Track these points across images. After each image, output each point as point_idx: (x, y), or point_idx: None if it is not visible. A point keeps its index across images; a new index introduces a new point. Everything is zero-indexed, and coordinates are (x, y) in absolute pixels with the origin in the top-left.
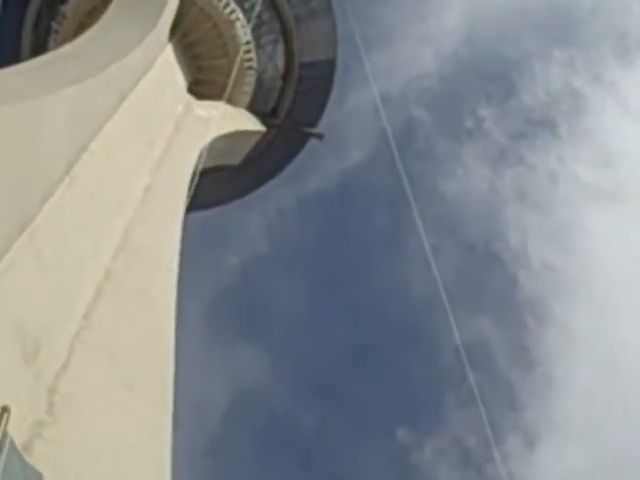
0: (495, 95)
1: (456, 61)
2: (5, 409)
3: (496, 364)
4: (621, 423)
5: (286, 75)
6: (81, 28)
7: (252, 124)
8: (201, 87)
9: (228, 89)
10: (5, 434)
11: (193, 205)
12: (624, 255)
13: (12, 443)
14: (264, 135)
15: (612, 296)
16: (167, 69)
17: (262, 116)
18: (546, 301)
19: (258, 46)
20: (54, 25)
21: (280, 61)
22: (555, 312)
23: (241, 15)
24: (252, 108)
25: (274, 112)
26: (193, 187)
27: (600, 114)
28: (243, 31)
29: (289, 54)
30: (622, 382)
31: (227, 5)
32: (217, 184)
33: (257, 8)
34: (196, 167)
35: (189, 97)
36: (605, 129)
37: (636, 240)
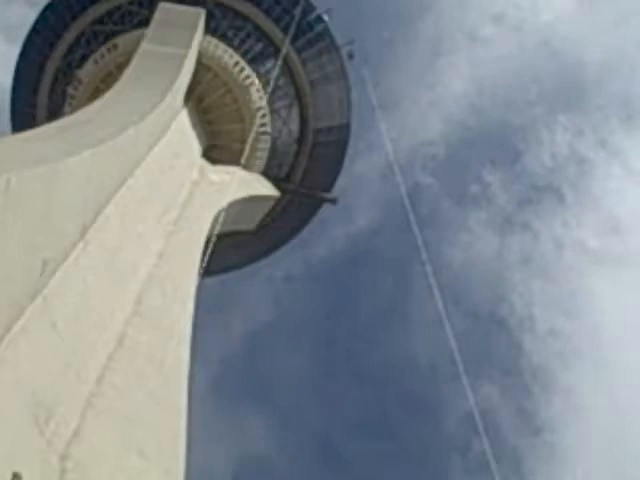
0: (501, 161)
1: (462, 127)
2: (16, 476)
3: (502, 430)
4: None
5: (300, 140)
6: (96, 93)
7: (267, 189)
8: (216, 152)
9: (244, 154)
10: None
11: (209, 270)
12: (631, 320)
13: None
14: (279, 200)
15: (618, 361)
16: (182, 134)
17: (276, 181)
18: (552, 367)
19: (273, 111)
20: (70, 90)
21: (294, 126)
22: (561, 378)
23: (256, 80)
24: (267, 173)
25: (288, 177)
26: (209, 252)
27: (606, 179)
28: (258, 96)
29: (303, 119)
30: (629, 446)
31: (242, 70)
32: (232, 249)
33: (273, 73)
34: (211, 232)
35: (204, 162)
36: (611, 194)
37: None
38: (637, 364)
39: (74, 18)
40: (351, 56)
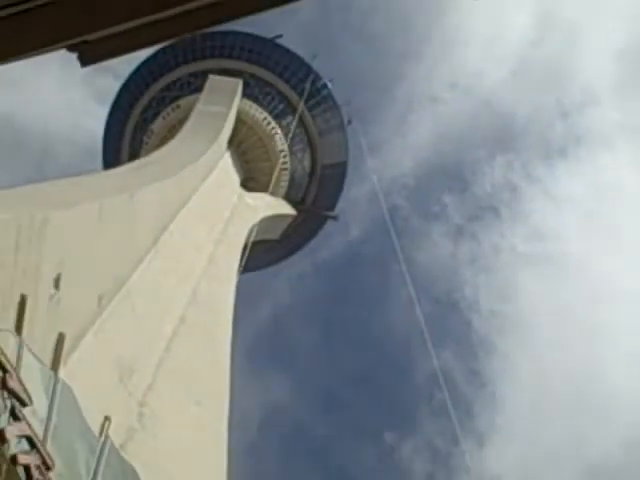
0: (455, 188)
1: (427, 164)
2: (107, 418)
3: (457, 384)
4: (546, 428)
5: (311, 174)
6: (164, 140)
7: (287, 209)
8: (250, 183)
9: (270, 185)
10: (107, 437)
11: (246, 268)
12: (549, 303)
13: (112, 444)
14: (295, 217)
15: (540, 333)
16: (225, 170)
17: (294, 203)
18: (492, 338)
19: (291, 153)
20: (145, 138)
21: (307, 163)
22: (499, 346)
23: (279, 131)
24: (287, 197)
25: (303, 200)
26: (246, 255)
27: (531, 201)
28: (280, 142)
29: (313, 158)
30: (548, 397)
31: (269, 123)
32: (262, 253)
33: (291, 126)
34: (247, 241)
35: (241, 190)
36: (535, 212)
37: (559, 292)
38: (553, 336)
39: (148, 86)
40: (350, 122)
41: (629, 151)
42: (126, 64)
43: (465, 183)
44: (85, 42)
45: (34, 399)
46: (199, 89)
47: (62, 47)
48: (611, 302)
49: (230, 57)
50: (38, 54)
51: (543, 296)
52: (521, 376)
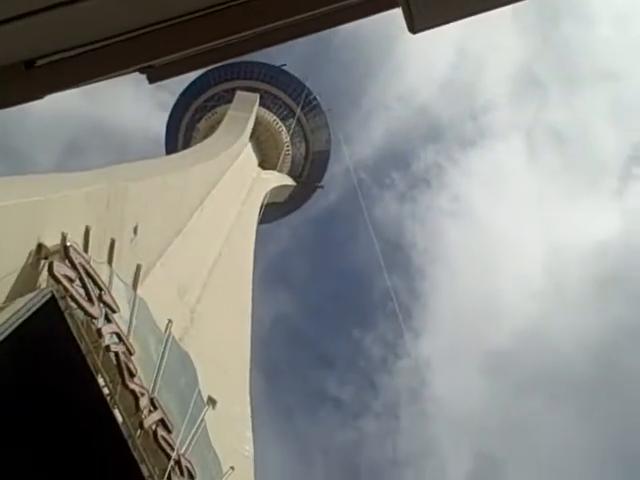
0: (401, 167)
1: (382, 150)
2: (170, 321)
3: (402, 297)
4: (459, 326)
5: (306, 157)
6: (207, 135)
7: (289, 181)
8: (265, 164)
9: (278, 165)
10: (169, 333)
11: (262, 221)
12: (463, 243)
13: (173, 337)
14: (295, 187)
15: (457, 263)
16: (248, 155)
17: (294, 177)
18: (425, 267)
19: (292, 143)
20: (194, 134)
21: (303, 150)
22: (427, 272)
23: (284, 128)
24: (289, 173)
25: (300, 175)
26: (261, 212)
27: (452, 176)
28: (285, 136)
29: (307, 147)
30: (461, 306)
31: (277, 123)
32: (273, 210)
33: (292, 125)
34: (262, 202)
35: (259, 169)
36: (455, 183)
37: (468, 236)
38: (465, 264)
39: (195, 98)
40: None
41: (517, 141)
42: (179, 83)
43: (407, 163)
44: (151, 66)
45: (120, 308)
46: (230, 100)
47: (135, 70)
48: (501, 241)
49: (251, 78)
50: (118, 75)
51: (458, 238)
52: (444, 291)
